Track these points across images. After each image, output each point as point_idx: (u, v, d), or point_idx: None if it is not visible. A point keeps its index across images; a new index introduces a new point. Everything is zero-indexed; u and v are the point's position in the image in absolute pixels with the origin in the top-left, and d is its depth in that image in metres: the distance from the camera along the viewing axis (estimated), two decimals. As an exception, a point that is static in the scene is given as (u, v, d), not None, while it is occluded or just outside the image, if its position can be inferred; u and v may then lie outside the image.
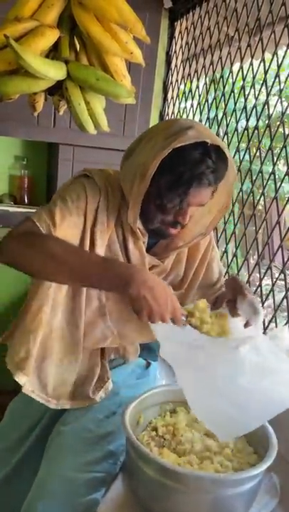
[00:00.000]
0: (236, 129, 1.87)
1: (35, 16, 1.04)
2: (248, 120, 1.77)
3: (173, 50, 2.45)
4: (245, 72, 1.80)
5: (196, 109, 2.22)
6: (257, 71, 1.73)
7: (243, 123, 1.81)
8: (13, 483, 1.30)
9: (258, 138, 1.70)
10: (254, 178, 1.73)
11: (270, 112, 1.64)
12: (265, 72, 1.65)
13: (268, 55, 1.67)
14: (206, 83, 2.13)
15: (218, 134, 1.99)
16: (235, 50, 1.86)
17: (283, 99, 1.58)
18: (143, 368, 1.42)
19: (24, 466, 1.30)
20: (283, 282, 1.49)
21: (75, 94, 1.10)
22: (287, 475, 1.22)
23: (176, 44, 2.43)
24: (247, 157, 1.81)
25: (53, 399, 1.23)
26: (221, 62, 1.98)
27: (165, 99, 2.53)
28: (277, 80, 1.60)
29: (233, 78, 1.88)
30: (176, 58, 2.43)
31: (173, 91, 2.48)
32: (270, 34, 1.63)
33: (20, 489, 1.21)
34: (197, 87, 2.23)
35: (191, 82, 2.30)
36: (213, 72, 2.05)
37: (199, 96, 2.20)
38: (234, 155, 1.81)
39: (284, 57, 1.58)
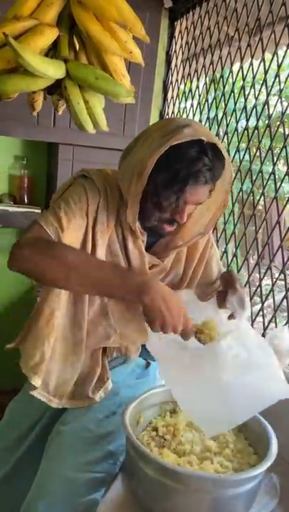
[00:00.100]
0: (236, 129, 1.87)
1: (34, 15, 1.04)
2: (248, 120, 1.77)
3: (173, 50, 2.45)
4: (245, 72, 1.80)
5: (196, 108, 2.22)
6: (257, 71, 1.73)
7: (243, 123, 1.81)
8: (13, 483, 1.30)
9: (258, 138, 1.70)
10: (254, 178, 1.73)
11: (270, 112, 1.64)
12: (265, 72, 1.65)
13: (268, 55, 1.67)
14: (206, 83, 2.13)
15: (218, 134, 1.99)
16: (235, 49, 1.86)
17: (283, 99, 1.58)
18: (143, 368, 1.42)
19: (24, 466, 1.30)
20: (283, 282, 1.49)
21: (74, 93, 1.10)
22: (287, 476, 1.21)
23: (176, 44, 2.42)
24: (247, 157, 1.80)
25: (55, 398, 1.24)
26: (221, 62, 1.98)
27: (165, 98, 2.53)
28: (277, 79, 1.60)
29: (233, 78, 1.88)
30: (176, 58, 2.43)
31: (173, 91, 2.48)
32: (270, 34, 1.63)
33: (20, 489, 1.21)
34: (197, 86, 2.23)
35: (191, 81, 2.30)
36: (213, 71, 2.05)
37: (199, 96, 2.20)
38: (234, 155, 1.81)
39: (284, 57, 1.58)
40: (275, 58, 1.61)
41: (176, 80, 2.44)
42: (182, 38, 2.36)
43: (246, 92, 1.78)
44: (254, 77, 1.73)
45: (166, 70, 2.49)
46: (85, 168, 1.24)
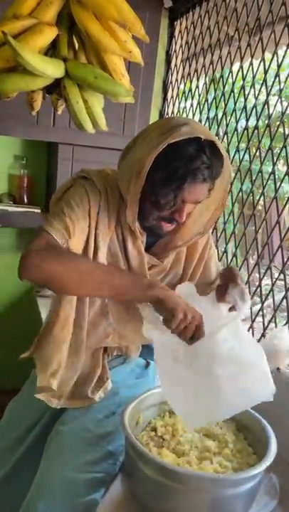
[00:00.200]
0: (236, 129, 1.86)
1: (33, 14, 1.03)
2: (247, 120, 1.77)
3: (173, 50, 2.45)
4: (245, 72, 1.79)
5: (196, 108, 2.21)
6: (257, 71, 1.73)
7: (242, 123, 1.80)
8: (13, 483, 1.30)
9: (257, 138, 1.70)
10: (254, 178, 1.73)
11: (270, 112, 1.64)
12: (265, 72, 1.64)
13: (267, 55, 1.67)
14: (205, 83, 2.12)
15: (217, 134, 1.99)
16: (235, 49, 1.86)
17: (283, 99, 1.58)
18: (142, 368, 1.42)
19: (24, 466, 1.30)
20: (283, 282, 1.49)
21: (73, 93, 1.10)
22: (287, 476, 1.21)
23: (176, 43, 2.42)
24: (247, 157, 1.80)
25: (55, 398, 1.25)
26: (221, 61, 1.98)
27: (165, 98, 2.53)
28: (277, 79, 1.59)
29: (233, 78, 1.88)
30: (176, 58, 2.43)
31: (173, 90, 2.48)
32: (270, 34, 1.62)
33: (20, 489, 1.21)
34: (197, 86, 2.23)
35: (191, 81, 2.30)
36: (213, 71, 2.04)
37: (199, 95, 2.20)
38: (234, 155, 1.81)
39: (284, 56, 1.58)
40: (275, 58, 1.61)
41: (176, 80, 2.44)
42: (182, 38, 2.35)
43: (246, 92, 1.77)
44: (254, 77, 1.73)
45: (166, 69, 2.49)
46: (85, 169, 1.24)
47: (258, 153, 1.69)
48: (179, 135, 1.04)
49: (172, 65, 2.46)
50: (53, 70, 1.04)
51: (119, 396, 1.29)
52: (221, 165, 1.12)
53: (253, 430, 1.20)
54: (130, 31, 1.08)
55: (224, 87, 1.98)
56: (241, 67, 1.82)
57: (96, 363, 1.29)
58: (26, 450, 1.31)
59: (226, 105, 1.93)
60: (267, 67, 1.65)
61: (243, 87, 1.79)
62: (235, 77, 1.88)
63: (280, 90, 1.58)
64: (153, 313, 1.09)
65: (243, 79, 1.80)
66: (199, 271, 1.35)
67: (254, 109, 1.74)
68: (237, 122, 1.87)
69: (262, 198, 1.71)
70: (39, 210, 2.29)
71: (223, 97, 1.96)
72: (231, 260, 1.91)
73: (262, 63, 1.68)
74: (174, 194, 1.09)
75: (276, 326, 1.56)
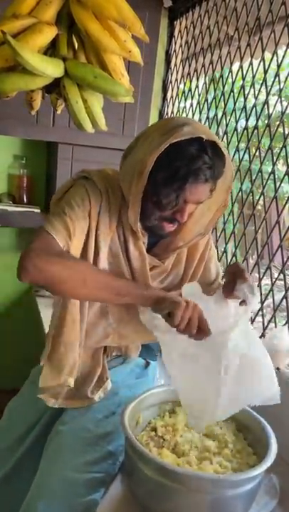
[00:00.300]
0: (236, 129, 1.86)
1: (33, 13, 1.04)
2: (247, 120, 1.77)
3: (172, 49, 2.45)
4: (244, 72, 1.79)
5: (196, 108, 2.21)
6: (257, 70, 1.73)
7: (242, 122, 1.80)
8: (13, 483, 1.29)
9: (257, 137, 1.70)
10: (253, 177, 1.73)
11: (270, 112, 1.64)
12: (265, 72, 1.64)
13: (267, 55, 1.67)
14: (205, 82, 2.12)
15: (217, 134, 1.99)
16: (234, 49, 1.86)
17: (283, 98, 1.58)
18: (142, 368, 1.42)
19: (23, 466, 1.30)
20: (283, 282, 1.49)
21: (72, 92, 1.10)
22: (287, 476, 1.21)
23: (175, 43, 2.42)
24: (246, 157, 1.80)
25: (51, 397, 1.24)
26: (221, 61, 1.98)
27: (164, 98, 2.53)
28: (276, 79, 1.59)
29: (232, 77, 1.88)
30: (176, 57, 2.43)
31: (172, 90, 2.48)
32: (270, 33, 1.62)
33: (20, 489, 1.21)
34: (197, 86, 2.22)
35: (191, 81, 2.30)
36: (213, 71, 2.04)
37: (199, 95, 2.20)
38: (234, 154, 1.81)
39: (284, 56, 1.58)
40: (275, 58, 1.61)
41: (176, 80, 2.44)
42: (182, 38, 2.35)
43: (246, 92, 1.77)
44: (254, 77, 1.73)
45: (165, 69, 2.49)
46: (86, 169, 1.23)
47: (257, 153, 1.69)
48: (181, 135, 1.04)
49: (172, 64, 2.46)
50: (52, 69, 1.03)
51: (118, 396, 1.28)
52: (222, 165, 1.11)
53: (253, 430, 1.20)
54: (130, 31, 1.08)
55: (224, 86, 1.98)
56: (241, 66, 1.82)
57: (96, 363, 1.29)
58: (26, 450, 1.30)
59: (225, 105, 1.92)
60: (267, 66, 1.65)
61: (242, 87, 1.79)
62: (235, 77, 1.88)
63: (280, 90, 1.58)
64: (154, 318, 1.09)
65: (243, 79, 1.80)
66: (200, 271, 1.34)
67: (254, 109, 1.74)
68: (237, 122, 1.87)
69: (262, 197, 1.70)
70: (39, 210, 2.28)
71: (222, 97, 1.96)
72: (231, 260, 1.91)
73: (262, 63, 1.68)
74: (176, 194, 1.09)
75: (276, 326, 1.56)
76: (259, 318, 1.64)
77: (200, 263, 1.34)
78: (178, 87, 2.44)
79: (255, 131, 1.73)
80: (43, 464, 1.20)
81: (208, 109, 2.09)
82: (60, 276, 1.05)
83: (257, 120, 1.72)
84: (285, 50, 1.56)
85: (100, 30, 1.05)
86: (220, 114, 1.96)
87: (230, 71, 1.91)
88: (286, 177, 1.48)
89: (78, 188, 1.18)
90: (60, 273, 1.05)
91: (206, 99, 2.10)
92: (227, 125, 1.91)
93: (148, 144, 1.09)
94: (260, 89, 1.68)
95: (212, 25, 2.02)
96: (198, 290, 1.17)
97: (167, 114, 2.52)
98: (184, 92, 2.36)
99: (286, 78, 1.57)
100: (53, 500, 1.09)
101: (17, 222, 2.26)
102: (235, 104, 1.84)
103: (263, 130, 1.69)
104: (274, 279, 1.58)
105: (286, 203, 1.51)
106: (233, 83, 1.86)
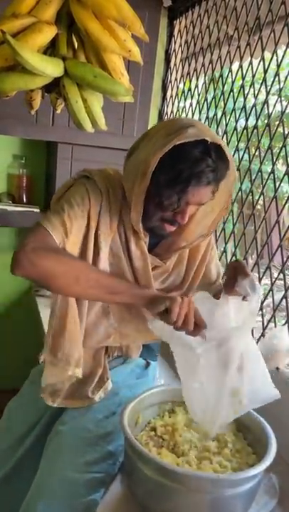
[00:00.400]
0: (235, 129, 1.86)
1: (32, 13, 1.03)
2: (247, 119, 1.77)
3: (172, 49, 2.45)
4: (244, 71, 1.79)
5: (195, 108, 2.21)
6: (256, 70, 1.73)
7: (242, 122, 1.80)
8: (13, 483, 1.29)
9: (257, 137, 1.70)
10: (253, 177, 1.73)
11: (270, 111, 1.64)
12: (265, 71, 1.64)
13: (267, 54, 1.67)
14: (205, 82, 2.12)
15: (217, 133, 1.98)
16: (234, 49, 1.86)
17: (283, 98, 1.58)
18: (142, 368, 1.42)
19: (24, 466, 1.30)
20: (282, 282, 1.48)
21: (72, 92, 1.10)
22: (287, 475, 1.21)
23: (175, 42, 2.42)
24: (246, 156, 1.80)
25: (51, 396, 1.24)
26: (221, 61, 1.98)
27: (164, 98, 2.53)
28: (276, 79, 1.59)
29: (232, 77, 1.88)
30: (176, 57, 2.43)
31: (172, 90, 2.48)
32: (270, 33, 1.62)
33: (20, 489, 1.21)
34: (196, 85, 2.22)
35: (191, 80, 2.30)
36: (213, 71, 2.04)
37: (198, 95, 2.20)
38: (233, 154, 1.81)
39: (283, 56, 1.58)
40: (275, 57, 1.60)
41: (176, 79, 2.44)
42: (181, 37, 2.35)
43: (245, 91, 1.77)
44: (253, 76, 1.73)
45: (165, 69, 2.49)
46: (87, 169, 1.23)
47: (257, 153, 1.69)
48: (185, 137, 1.03)
49: (171, 64, 2.46)
50: (52, 68, 1.03)
51: (119, 396, 1.28)
52: (226, 168, 1.10)
53: (252, 430, 1.20)
54: (130, 30, 1.08)
55: (223, 86, 1.98)
56: (241, 66, 1.82)
57: (97, 364, 1.29)
58: (26, 450, 1.30)
59: (225, 104, 1.92)
60: (266, 66, 1.65)
61: (242, 87, 1.79)
62: (235, 77, 1.87)
63: (280, 90, 1.58)
64: (163, 326, 1.10)
65: (243, 78, 1.80)
66: (202, 272, 1.34)
67: (253, 109, 1.74)
68: (236, 122, 1.87)
69: (261, 197, 1.70)
70: (38, 210, 2.28)
71: (222, 97, 1.96)
72: (230, 260, 1.91)
73: (261, 62, 1.68)
74: (178, 196, 1.08)
75: (275, 326, 1.56)
76: (259, 318, 1.64)
77: (201, 264, 1.33)
78: (177, 87, 2.44)
79: (255, 130, 1.72)
80: (43, 464, 1.20)
81: (208, 109, 2.08)
82: (53, 272, 1.05)
83: (256, 120, 1.72)
84: (285, 50, 1.56)
85: (99, 30, 1.05)
86: (219, 114, 1.96)
87: (230, 71, 1.90)
88: (286, 177, 1.48)
89: (79, 187, 1.18)
90: (53, 268, 1.04)
91: (206, 99, 2.10)
92: (227, 125, 1.91)
93: (152, 145, 1.08)
94: (259, 88, 1.68)
95: (212, 25, 2.02)
96: (204, 296, 1.18)
97: (167, 113, 2.52)
98: (183, 91, 2.36)
99: (286, 78, 1.57)
100: (53, 500, 1.09)
101: (16, 222, 2.26)
102: (234, 103, 1.84)
103: (262, 130, 1.69)
104: (274, 279, 1.58)
105: (286, 202, 1.51)
106: (233, 83, 1.86)
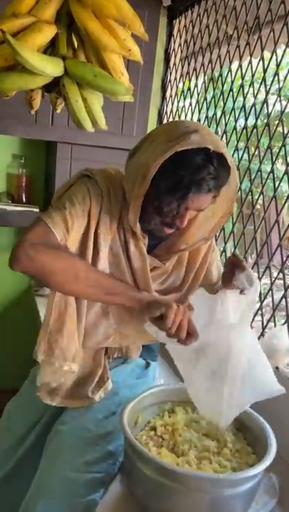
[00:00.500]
0: (235, 128, 1.86)
1: (32, 12, 1.03)
2: (246, 119, 1.77)
3: (171, 48, 2.44)
4: (244, 71, 1.79)
5: (195, 107, 2.21)
6: (256, 69, 1.73)
7: (241, 122, 1.80)
8: (13, 483, 1.29)
9: (256, 137, 1.70)
10: (253, 177, 1.72)
11: (269, 111, 1.64)
12: (264, 71, 1.64)
13: (266, 54, 1.67)
14: (204, 81, 2.12)
15: (216, 133, 1.98)
16: (234, 48, 1.86)
17: (282, 97, 1.58)
18: (142, 368, 1.42)
19: (23, 466, 1.29)
20: (282, 281, 1.49)
21: (72, 91, 1.10)
22: (286, 475, 1.21)
23: (174, 42, 2.42)
24: (246, 156, 1.80)
25: (49, 395, 1.24)
26: (220, 60, 1.98)
27: (164, 97, 2.52)
28: (276, 78, 1.59)
29: (231, 77, 1.88)
30: (175, 56, 2.42)
31: (171, 89, 2.47)
32: (269, 32, 1.62)
33: (20, 488, 1.21)
34: (196, 85, 2.22)
35: (190, 80, 2.29)
36: (212, 70, 2.04)
37: (198, 94, 2.20)
38: (233, 154, 1.81)
39: (283, 55, 1.58)
40: (274, 57, 1.60)
41: (175, 79, 2.44)
42: (181, 37, 2.35)
43: (245, 91, 1.77)
44: (253, 76, 1.73)
45: (164, 68, 2.49)
46: (89, 168, 1.23)
47: (256, 152, 1.69)
48: (188, 143, 1.02)
49: (171, 63, 2.46)
50: (52, 68, 1.03)
51: (119, 396, 1.28)
52: (227, 175, 1.09)
53: (252, 430, 1.20)
54: (129, 29, 1.08)
55: (223, 85, 1.98)
56: (240, 65, 1.82)
57: (97, 364, 1.29)
58: (26, 450, 1.30)
59: (224, 104, 1.92)
60: (266, 65, 1.65)
61: (241, 86, 1.79)
62: (234, 76, 1.87)
63: (279, 89, 1.58)
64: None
65: (242, 78, 1.80)
66: (202, 273, 1.33)
67: (253, 108, 1.74)
68: (236, 121, 1.86)
69: (261, 197, 1.70)
70: (37, 210, 2.28)
71: (222, 96, 1.96)
72: (230, 259, 1.91)
73: (261, 62, 1.68)
74: (178, 203, 1.07)
75: (275, 326, 1.56)
76: (258, 318, 1.64)
77: (202, 265, 1.33)
78: (177, 86, 2.44)
79: (255, 130, 1.73)
80: (42, 464, 1.20)
81: (208, 108, 2.08)
82: (51, 268, 1.04)
83: (256, 119, 1.72)
84: (284, 49, 1.56)
85: (99, 29, 1.05)
86: (219, 113, 1.96)
87: (230, 70, 1.91)
88: (285, 176, 1.48)
89: (80, 185, 1.18)
90: (52, 264, 1.04)
91: (205, 98, 2.10)
92: (226, 124, 1.91)
93: (153, 149, 1.07)
94: (259, 88, 1.68)
95: (211, 24, 2.02)
96: (202, 291, 1.19)
97: (166, 113, 2.51)
98: (183, 91, 2.36)
99: (285, 77, 1.57)
100: (53, 500, 1.09)
101: (16, 222, 2.26)
102: (234, 103, 1.84)
103: (262, 129, 1.69)
104: (273, 279, 1.58)
105: (285, 202, 1.51)
106: (232, 82, 1.86)
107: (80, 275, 1.08)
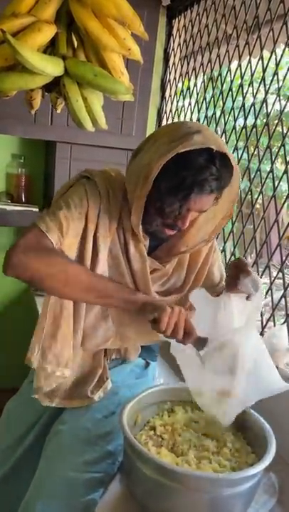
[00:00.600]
0: (234, 128, 1.86)
1: (32, 12, 1.03)
2: (246, 118, 1.77)
3: (171, 48, 2.44)
4: (243, 70, 1.79)
5: (194, 107, 2.21)
6: (255, 69, 1.73)
7: (241, 121, 1.80)
8: (12, 483, 1.29)
9: (256, 136, 1.70)
10: (252, 176, 1.72)
11: (269, 110, 1.64)
12: (264, 70, 1.64)
13: (266, 53, 1.67)
14: (204, 81, 2.12)
15: (216, 132, 1.98)
16: (233, 48, 1.85)
17: (281, 97, 1.58)
18: (142, 368, 1.42)
19: (23, 466, 1.29)
20: (281, 281, 1.49)
21: (72, 91, 1.09)
22: (286, 474, 1.22)
23: (174, 42, 2.42)
24: (245, 155, 1.80)
25: (47, 397, 1.24)
26: (219, 60, 1.98)
27: (163, 97, 2.52)
28: (275, 78, 1.59)
29: (231, 76, 1.88)
30: (174, 56, 2.42)
31: (171, 89, 2.47)
32: (269, 32, 1.62)
33: (19, 489, 1.21)
34: (195, 85, 2.22)
35: (189, 80, 2.29)
36: (211, 70, 2.04)
37: (197, 94, 2.19)
38: (232, 153, 1.80)
39: (282, 55, 1.58)
40: (274, 56, 1.61)
41: (174, 78, 2.44)
42: (180, 36, 2.35)
43: (244, 90, 1.77)
44: (252, 75, 1.73)
45: (164, 68, 2.49)
46: (88, 169, 1.22)
47: (256, 152, 1.69)
48: (190, 144, 1.02)
49: (170, 63, 2.46)
50: (52, 68, 1.03)
51: (118, 396, 1.28)
52: (229, 176, 1.09)
53: (251, 429, 1.20)
54: (129, 28, 1.08)
55: (222, 85, 1.97)
56: (239, 65, 1.82)
57: (97, 364, 1.29)
58: (25, 450, 1.30)
59: (224, 103, 1.92)
60: (265, 65, 1.65)
61: (241, 86, 1.79)
62: (234, 76, 1.87)
63: (279, 88, 1.58)
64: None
65: (242, 77, 1.80)
66: (204, 275, 1.33)
67: (252, 108, 1.74)
68: (235, 121, 1.86)
69: (260, 196, 1.70)
70: (37, 209, 2.28)
71: (221, 96, 1.96)
72: (230, 259, 1.91)
73: (260, 61, 1.68)
74: (180, 204, 1.07)
75: (274, 325, 1.57)
76: (258, 317, 1.64)
77: (203, 267, 1.32)
78: (176, 86, 2.44)
79: (254, 129, 1.73)
80: (41, 464, 1.20)
81: (207, 108, 2.08)
82: (41, 274, 1.05)
83: (255, 119, 1.72)
84: (284, 49, 1.56)
85: (99, 28, 1.05)
86: (218, 113, 1.96)
87: (229, 69, 1.90)
88: (285, 176, 1.48)
89: (78, 187, 1.18)
90: (41, 270, 1.05)
91: (205, 98, 2.10)
92: (225, 124, 1.91)
93: (155, 149, 1.07)
94: (258, 87, 1.68)
95: (210, 24, 2.02)
96: (204, 293, 1.19)
97: (166, 112, 2.51)
98: (182, 90, 2.35)
99: (285, 77, 1.57)
100: (52, 500, 1.09)
101: (15, 222, 2.26)
102: (233, 102, 1.84)
103: (261, 129, 1.69)
104: (273, 278, 1.58)
105: (285, 201, 1.51)
106: (232, 82, 1.86)
107: (71, 279, 1.08)
